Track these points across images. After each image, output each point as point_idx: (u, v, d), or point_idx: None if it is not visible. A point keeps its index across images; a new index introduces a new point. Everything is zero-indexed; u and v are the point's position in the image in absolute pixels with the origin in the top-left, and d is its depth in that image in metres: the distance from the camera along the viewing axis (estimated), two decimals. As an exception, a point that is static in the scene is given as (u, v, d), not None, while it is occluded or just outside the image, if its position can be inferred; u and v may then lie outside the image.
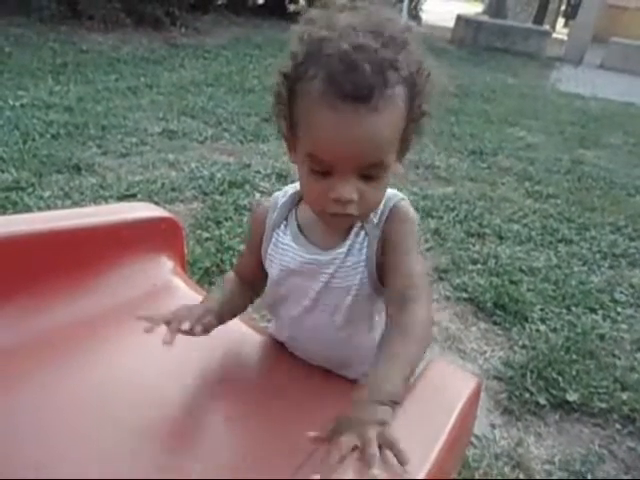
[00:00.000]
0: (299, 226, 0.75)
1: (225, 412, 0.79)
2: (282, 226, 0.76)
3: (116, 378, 0.78)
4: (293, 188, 0.79)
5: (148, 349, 0.82)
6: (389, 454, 0.48)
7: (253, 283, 0.85)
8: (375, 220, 0.71)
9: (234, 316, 0.84)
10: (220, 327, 0.77)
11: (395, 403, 0.55)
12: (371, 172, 0.62)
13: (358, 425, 0.50)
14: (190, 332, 0.69)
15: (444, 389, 0.68)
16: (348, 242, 0.71)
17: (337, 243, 0.72)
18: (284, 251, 0.75)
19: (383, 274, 0.71)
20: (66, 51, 4.61)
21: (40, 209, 2.01)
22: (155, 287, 1.03)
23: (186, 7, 6.50)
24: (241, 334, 0.92)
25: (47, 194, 2.18)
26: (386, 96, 0.57)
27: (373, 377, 0.57)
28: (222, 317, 0.78)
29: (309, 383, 0.83)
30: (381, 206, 0.70)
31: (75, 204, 2.12)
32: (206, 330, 0.72)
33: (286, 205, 0.77)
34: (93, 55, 4.69)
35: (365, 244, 0.71)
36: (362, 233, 0.71)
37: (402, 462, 0.48)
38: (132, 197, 2.24)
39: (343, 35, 0.57)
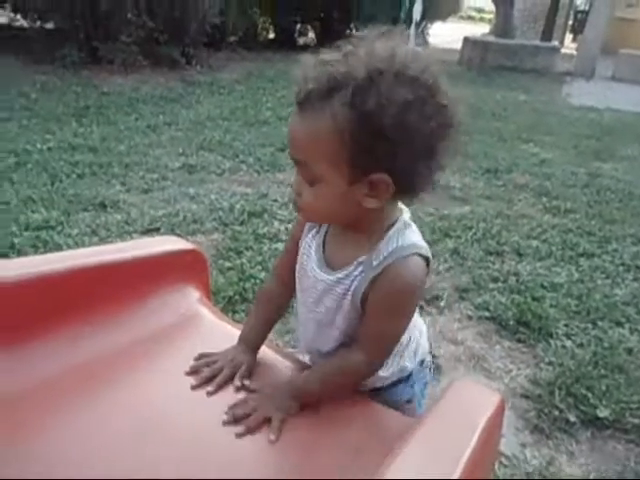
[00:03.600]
0: (325, 235, 0.81)
1: (260, 443, 0.79)
2: (312, 234, 0.82)
3: (150, 411, 0.79)
4: None
5: (180, 379, 0.85)
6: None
7: (287, 281, 0.89)
8: (375, 262, 0.73)
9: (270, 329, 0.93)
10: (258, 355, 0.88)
11: (301, 402, 0.76)
12: (306, 175, 0.70)
13: (275, 405, 0.74)
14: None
15: (467, 407, 0.69)
16: (345, 272, 0.75)
17: (342, 266, 0.76)
18: (306, 260, 0.82)
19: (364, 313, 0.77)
20: (88, 94, 4.83)
21: (69, 247, 2.09)
22: (183, 317, 1.06)
23: (200, 46, 6.76)
24: (271, 361, 0.95)
25: (75, 232, 2.27)
26: (315, 107, 0.64)
27: (304, 377, 0.79)
28: (259, 345, 0.88)
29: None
30: (388, 249, 0.72)
31: (102, 240, 2.20)
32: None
33: None
34: (114, 97, 4.90)
35: (358, 278, 0.74)
36: (360, 268, 0.74)
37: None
38: (155, 231, 2.32)
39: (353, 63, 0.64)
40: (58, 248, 2.07)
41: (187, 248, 1.16)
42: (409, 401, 0.90)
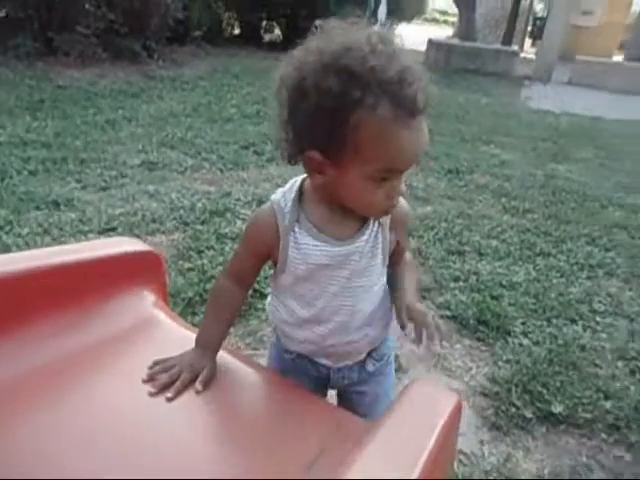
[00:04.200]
0: (314, 224, 0.81)
1: (216, 437, 0.79)
2: (296, 228, 0.81)
3: (106, 414, 0.78)
4: (290, 192, 0.82)
5: (135, 384, 0.83)
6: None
7: (245, 282, 0.91)
8: None
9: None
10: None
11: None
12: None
13: (426, 314, 0.77)
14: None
15: (425, 408, 0.69)
16: (368, 231, 0.81)
17: (353, 233, 0.81)
18: (308, 249, 0.80)
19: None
20: (43, 87, 4.63)
21: (19, 247, 1.99)
22: (138, 320, 1.03)
23: (163, 40, 6.60)
24: (228, 364, 0.93)
25: (25, 231, 2.16)
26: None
27: (408, 291, 0.84)
28: (218, 348, 0.88)
29: (295, 407, 0.84)
30: None
31: (55, 240, 2.10)
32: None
33: (294, 209, 0.81)
34: (70, 90, 4.72)
35: (380, 231, 0.83)
36: (376, 222, 0.82)
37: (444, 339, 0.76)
38: (112, 231, 2.24)
39: (389, 56, 0.66)
40: (6, 249, 1.97)
41: (143, 250, 1.12)
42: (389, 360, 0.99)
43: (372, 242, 0.82)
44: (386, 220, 0.83)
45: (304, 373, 0.93)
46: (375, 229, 0.82)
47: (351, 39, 0.67)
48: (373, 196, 0.73)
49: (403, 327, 0.78)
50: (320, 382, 0.94)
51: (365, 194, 0.72)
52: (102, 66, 5.64)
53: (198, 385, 0.80)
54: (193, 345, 0.88)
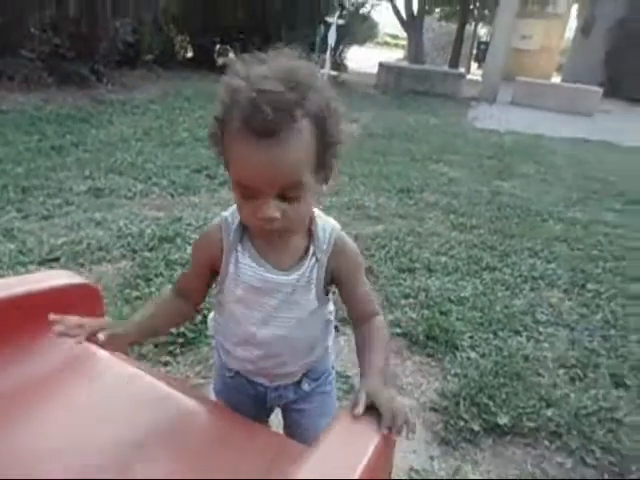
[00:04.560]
0: (255, 246, 0.83)
1: (157, 471, 0.78)
2: (239, 247, 0.83)
3: (40, 447, 0.77)
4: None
5: (72, 418, 0.83)
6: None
7: (191, 298, 0.91)
8: (324, 246, 0.83)
9: (156, 333, 0.97)
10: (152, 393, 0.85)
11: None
12: (289, 193, 0.71)
13: (389, 400, 0.70)
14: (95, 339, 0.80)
15: (350, 440, 0.68)
16: (303, 267, 0.83)
17: (291, 264, 0.82)
18: (245, 269, 0.83)
19: (344, 298, 0.87)
20: (-16, 113, 4.46)
21: (-48, 281, 1.89)
22: (72, 357, 1.00)
23: (112, 64, 6.52)
24: (171, 392, 0.92)
25: (-40, 264, 2.05)
26: (292, 129, 0.67)
27: (373, 369, 0.76)
28: (141, 334, 0.87)
29: (236, 435, 0.84)
30: (327, 233, 0.84)
31: (-8, 273, 2.01)
32: (114, 344, 0.82)
33: (239, 228, 0.83)
34: (13, 115, 4.56)
35: (315, 268, 0.83)
36: (314, 258, 0.83)
37: (412, 431, 0.69)
38: (55, 261, 2.16)
39: (254, 83, 0.67)
40: (-62, 284, 1.86)
41: (78, 282, 1.10)
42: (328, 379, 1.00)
43: (307, 277, 0.83)
44: (324, 258, 0.83)
45: (243, 392, 0.95)
46: (311, 264, 0.83)
47: (242, 71, 0.70)
48: (243, 209, 0.75)
49: (355, 407, 0.70)
50: (258, 401, 0.95)
51: (239, 206, 0.76)
52: (48, 91, 5.50)
53: (100, 336, 0.80)
54: (129, 379, 0.86)
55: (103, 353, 1.03)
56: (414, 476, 1.36)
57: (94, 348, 1.03)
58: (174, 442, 0.83)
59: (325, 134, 0.72)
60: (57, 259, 2.18)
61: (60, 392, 0.94)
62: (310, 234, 0.83)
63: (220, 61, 9.14)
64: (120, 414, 0.88)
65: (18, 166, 3.29)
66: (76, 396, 0.92)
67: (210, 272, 0.87)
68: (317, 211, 0.86)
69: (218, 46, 9.67)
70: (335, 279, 0.85)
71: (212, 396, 1.06)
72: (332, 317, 0.95)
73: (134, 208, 2.89)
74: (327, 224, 0.85)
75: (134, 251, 2.34)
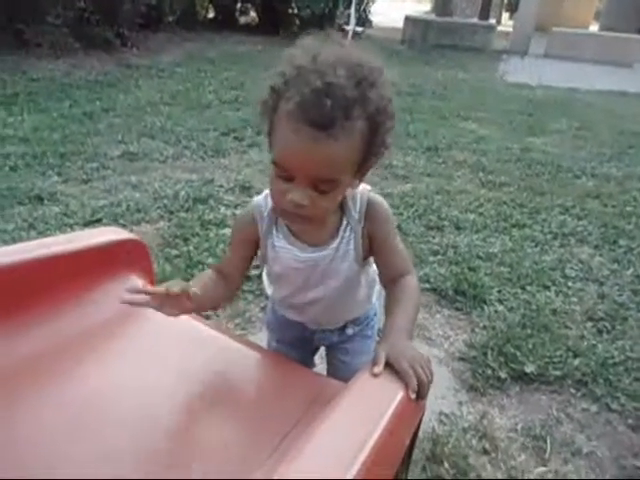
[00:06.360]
0: (290, 230, 0.86)
1: (210, 409, 0.84)
2: (274, 231, 0.87)
3: (101, 392, 0.83)
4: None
5: (126, 366, 0.89)
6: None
7: (231, 279, 0.92)
8: (356, 216, 0.84)
9: (212, 307, 1.02)
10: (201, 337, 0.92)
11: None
12: (323, 187, 0.72)
13: (411, 360, 0.70)
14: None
15: (369, 401, 0.70)
16: (337, 239, 0.85)
17: (326, 239, 0.85)
18: (282, 253, 0.87)
19: (376, 260, 0.89)
20: (16, 81, 4.56)
21: (6, 242, 2.02)
22: (127, 307, 1.09)
23: (136, 27, 6.50)
24: (215, 339, 0.99)
25: (11, 227, 2.18)
26: (345, 128, 0.67)
27: (399, 325, 0.76)
28: (201, 305, 0.85)
29: (281, 378, 0.91)
30: (358, 202, 0.84)
31: (40, 234, 2.13)
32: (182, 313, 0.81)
33: (272, 212, 0.86)
34: (45, 83, 4.65)
35: (352, 237, 0.85)
36: (348, 228, 0.85)
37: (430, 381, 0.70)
38: (97, 222, 2.27)
39: (321, 70, 0.66)
40: (-7, 244, 1.99)
41: (127, 238, 1.17)
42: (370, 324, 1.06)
43: (344, 248, 0.85)
44: (358, 227, 0.85)
45: (293, 329, 1.04)
46: (347, 235, 0.85)
47: (312, 49, 0.69)
48: (275, 186, 0.75)
49: (375, 366, 0.70)
50: (305, 339, 1.05)
51: (271, 180, 0.75)
52: (76, 56, 5.56)
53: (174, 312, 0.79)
54: (182, 326, 0.93)
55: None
56: (443, 419, 1.44)
57: (147, 298, 1.13)
58: (222, 383, 0.90)
59: (376, 138, 0.72)
60: (100, 220, 2.29)
61: (115, 340, 1.00)
62: (342, 206, 0.84)
63: (242, 20, 8.97)
64: (175, 355, 0.94)
65: (54, 132, 3.39)
66: (130, 343, 1.00)
67: (250, 254, 0.91)
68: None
69: (239, 4, 9.48)
70: (370, 240, 0.87)
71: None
72: (375, 275, 0.97)
73: (167, 171, 2.97)
74: (356, 190, 0.85)
75: (170, 212, 2.43)
